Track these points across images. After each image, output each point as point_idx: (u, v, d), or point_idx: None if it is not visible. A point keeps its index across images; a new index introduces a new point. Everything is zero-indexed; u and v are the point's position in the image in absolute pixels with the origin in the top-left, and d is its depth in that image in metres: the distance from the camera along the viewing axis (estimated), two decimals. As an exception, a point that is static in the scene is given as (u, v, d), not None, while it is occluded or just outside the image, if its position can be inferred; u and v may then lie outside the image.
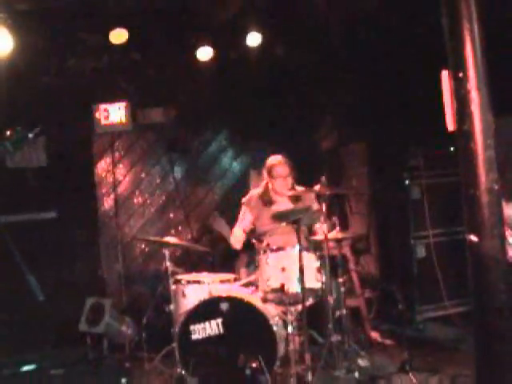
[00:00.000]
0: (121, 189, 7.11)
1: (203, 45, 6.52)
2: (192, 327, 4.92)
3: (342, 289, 5.28)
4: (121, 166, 7.15)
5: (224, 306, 4.90)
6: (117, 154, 7.14)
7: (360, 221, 7.04)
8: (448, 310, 6.25)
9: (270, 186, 5.74)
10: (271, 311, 5.02)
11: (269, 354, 4.77)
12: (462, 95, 3.37)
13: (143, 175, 7.21)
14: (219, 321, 4.88)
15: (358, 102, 7.04)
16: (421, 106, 6.18)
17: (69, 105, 6.65)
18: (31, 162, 6.74)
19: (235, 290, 5.25)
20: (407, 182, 6.33)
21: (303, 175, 5.75)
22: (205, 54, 6.57)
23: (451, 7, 3.40)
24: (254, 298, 4.99)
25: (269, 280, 4.90)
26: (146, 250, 7.13)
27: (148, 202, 7.19)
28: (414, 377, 4.81)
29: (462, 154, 3.39)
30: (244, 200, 5.84)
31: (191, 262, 6.80)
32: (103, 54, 6.48)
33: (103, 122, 6.81)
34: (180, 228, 7.23)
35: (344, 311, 5.24)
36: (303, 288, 4.70)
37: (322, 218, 5.08)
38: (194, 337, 4.92)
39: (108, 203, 7.08)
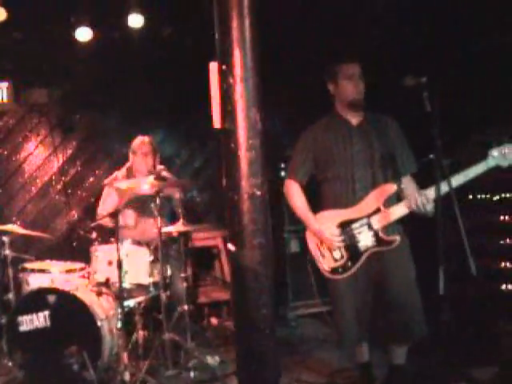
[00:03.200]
0: (1, 170, 6.90)
1: (82, 25, 6.28)
2: (20, 318, 4.76)
3: (184, 284, 5.12)
4: (2, 146, 6.91)
5: (51, 299, 4.74)
6: (-1, 135, 6.93)
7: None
8: (320, 307, 6.06)
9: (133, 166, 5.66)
10: (104, 305, 4.85)
11: (94, 350, 4.62)
12: (225, 90, 3.11)
13: (25, 156, 6.98)
14: (46, 313, 4.73)
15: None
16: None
17: None
18: None
19: (69, 281, 5.07)
20: (283, 173, 6.11)
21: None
22: (84, 34, 6.34)
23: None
24: (83, 291, 4.81)
25: (96, 273, 4.76)
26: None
27: (30, 184, 6.97)
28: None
29: (224, 155, 3.13)
30: (106, 181, 5.70)
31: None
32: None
33: (-16, 101, 6.61)
34: (62, 211, 7.00)
35: (185, 307, 5.07)
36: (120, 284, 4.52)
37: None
38: (22, 328, 4.76)
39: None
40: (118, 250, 4.51)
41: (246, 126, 3.09)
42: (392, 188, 3.97)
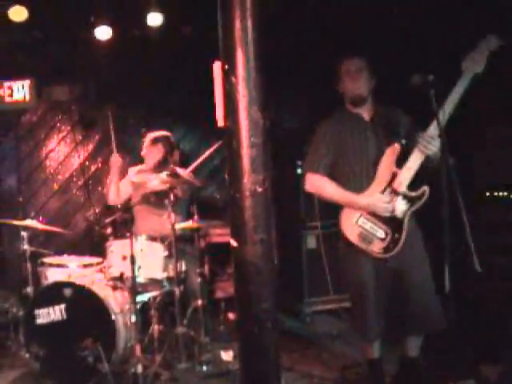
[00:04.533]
0: (24, 166, 7.05)
1: (102, 24, 6.39)
2: (37, 311, 4.87)
3: (199, 279, 5.18)
4: (25, 143, 7.05)
5: (67, 292, 4.84)
6: (21, 132, 7.06)
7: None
8: (335, 303, 6.11)
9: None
10: (119, 299, 4.94)
11: (108, 343, 4.71)
12: (228, 89, 3.16)
13: (47, 153, 7.12)
14: (62, 306, 4.83)
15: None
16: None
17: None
18: None
19: (86, 275, 5.17)
20: (300, 170, 6.15)
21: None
22: (104, 33, 6.45)
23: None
24: (99, 285, 4.91)
25: (110, 268, 4.85)
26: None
27: (51, 180, 7.11)
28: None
29: (227, 153, 3.18)
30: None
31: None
32: (3, 31, 6.37)
33: (7, 99, 6.77)
34: (82, 207, 7.13)
35: (199, 302, 5.14)
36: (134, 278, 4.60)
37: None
38: (39, 321, 4.87)
39: (11, 180, 7.03)
40: (131, 244, 4.59)
41: (247, 124, 3.13)
42: (396, 148, 4.01)
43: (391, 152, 4.02)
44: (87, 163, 7.17)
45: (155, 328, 5.05)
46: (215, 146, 5.26)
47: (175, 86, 6.91)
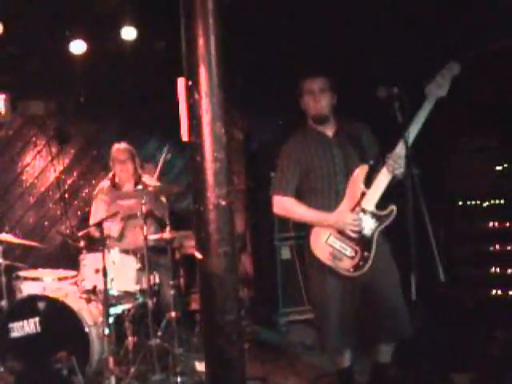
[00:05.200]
0: (0, 180, 7.06)
1: (76, 38, 6.44)
2: (11, 325, 4.91)
3: (172, 291, 5.22)
4: (1, 157, 7.09)
5: (41, 305, 4.88)
6: (-4, 146, 7.10)
7: (240, 218, 6.99)
8: (310, 313, 6.14)
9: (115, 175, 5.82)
10: (93, 312, 4.98)
11: (82, 355, 4.76)
12: (191, 105, 3.22)
13: (23, 167, 7.15)
14: (36, 320, 4.87)
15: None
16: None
17: None
18: None
19: (61, 288, 5.20)
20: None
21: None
22: (78, 47, 6.49)
23: (188, 6, 3.23)
24: (72, 298, 4.94)
25: (83, 281, 4.89)
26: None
27: (27, 194, 7.13)
28: None
29: (192, 167, 3.24)
30: (94, 193, 5.82)
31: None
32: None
33: (-18, 113, 6.78)
34: (59, 221, 7.15)
35: (173, 314, 5.17)
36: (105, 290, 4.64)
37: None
38: (13, 334, 4.91)
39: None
40: (103, 257, 4.63)
41: (211, 139, 3.19)
42: (364, 168, 4.08)
43: (359, 172, 4.09)
44: (63, 177, 7.17)
45: (130, 340, 5.09)
46: (164, 155, 5.32)
47: (149, 100, 6.96)
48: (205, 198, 3.21)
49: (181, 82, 3.35)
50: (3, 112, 6.82)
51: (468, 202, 6.34)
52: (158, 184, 5.61)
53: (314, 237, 4.15)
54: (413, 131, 3.86)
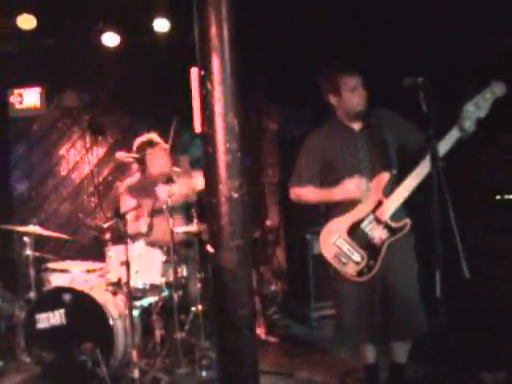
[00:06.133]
0: (36, 173, 7.14)
1: (109, 30, 6.45)
2: (37, 316, 4.92)
3: (199, 285, 5.19)
4: (36, 150, 7.15)
5: (67, 297, 4.88)
6: (33, 139, 7.15)
7: (274, 211, 6.94)
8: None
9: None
10: (119, 304, 4.97)
11: (107, 348, 4.75)
12: (204, 95, 3.15)
13: (58, 159, 7.21)
14: (62, 311, 4.87)
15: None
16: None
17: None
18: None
19: (89, 280, 5.20)
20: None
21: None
22: (111, 39, 6.51)
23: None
24: (98, 290, 4.95)
25: (109, 273, 4.88)
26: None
27: (62, 186, 7.18)
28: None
29: (204, 159, 3.18)
30: (121, 189, 5.79)
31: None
32: (12, 39, 6.47)
33: (17, 106, 6.89)
34: (93, 213, 7.19)
35: (199, 307, 5.14)
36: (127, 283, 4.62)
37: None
38: (39, 326, 4.92)
39: (22, 187, 7.12)
40: (126, 249, 4.61)
41: (223, 130, 3.12)
42: (386, 176, 3.97)
43: (380, 180, 3.98)
44: (97, 169, 7.19)
45: (157, 333, 5.07)
46: (174, 125, 5.20)
47: (183, 91, 6.92)
48: (217, 191, 3.14)
49: (194, 72, 3.29)
50: (38, 105, 6.89)
51: (506, 196, 6.18)
52: (190, 174, 5.53)
53: (323, 235, 4.09)
54: (442, 149, 3.72)
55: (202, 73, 3.18)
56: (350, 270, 3.99)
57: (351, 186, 3.98)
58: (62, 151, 7.24)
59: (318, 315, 6.31)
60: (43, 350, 4.88)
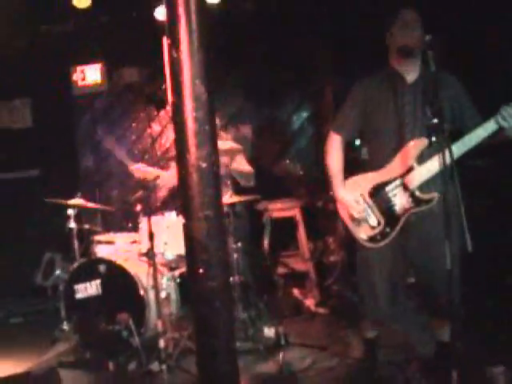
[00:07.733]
0: (100, 148, 7.32)
1: (159, 4, 6.47)
2: (76, 286, 5.07)
3: (235, 255, 5.17)
4: (100, 125, 7.33)
5: (102, 268, 5.00)
6: (96, 114, 7.34)
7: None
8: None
9: None
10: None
11: (139, 318, 4.85)
12: (172, 63, 3.12)
13: (122, 133, 7.35)
14: (98, 282, 5.00)
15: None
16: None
17: (48, 68, 6.90)
18: (17, 123, 7.15)
19: (131, 251, 5.36)
20: (358, 141, 5.96)
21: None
22: (162, 13, 6.52)
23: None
24: (132, 262, 5.04)
25: (141, 244, 4.96)
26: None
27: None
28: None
29: (175, 129, 3.16)
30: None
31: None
32: (70, 18, 6.65)
33: (80, 83, 7.07)
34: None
35: (236, 278, 5.13)
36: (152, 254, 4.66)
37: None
38: (78, 296, 5.07)
39: (88, 162, 7.34)
40: (149, 222, 4.65)
41: (191, 98, 3.07)
42: (423, 143, 3.65)
43: (416, 145, 3.67)
44: (160, 141, 7.26)
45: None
46: None
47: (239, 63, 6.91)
48: (185, 161, 3.09)
49: (166, 42, 3.25)
50: (100, 81, 7.04)
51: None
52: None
53: (347, 185, 3.91)
54: (458, 151, 3.51)
55: (170, 41, 3.14)
56: (363, 233, 3.79)
57: (351, 202, 3.80)
58: (125, 125, 7.34)
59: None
60: (81, 320, 5.03)
